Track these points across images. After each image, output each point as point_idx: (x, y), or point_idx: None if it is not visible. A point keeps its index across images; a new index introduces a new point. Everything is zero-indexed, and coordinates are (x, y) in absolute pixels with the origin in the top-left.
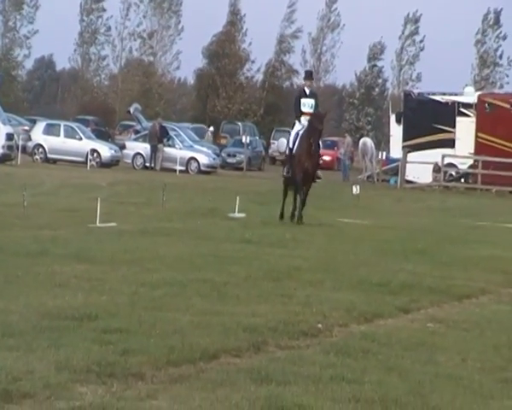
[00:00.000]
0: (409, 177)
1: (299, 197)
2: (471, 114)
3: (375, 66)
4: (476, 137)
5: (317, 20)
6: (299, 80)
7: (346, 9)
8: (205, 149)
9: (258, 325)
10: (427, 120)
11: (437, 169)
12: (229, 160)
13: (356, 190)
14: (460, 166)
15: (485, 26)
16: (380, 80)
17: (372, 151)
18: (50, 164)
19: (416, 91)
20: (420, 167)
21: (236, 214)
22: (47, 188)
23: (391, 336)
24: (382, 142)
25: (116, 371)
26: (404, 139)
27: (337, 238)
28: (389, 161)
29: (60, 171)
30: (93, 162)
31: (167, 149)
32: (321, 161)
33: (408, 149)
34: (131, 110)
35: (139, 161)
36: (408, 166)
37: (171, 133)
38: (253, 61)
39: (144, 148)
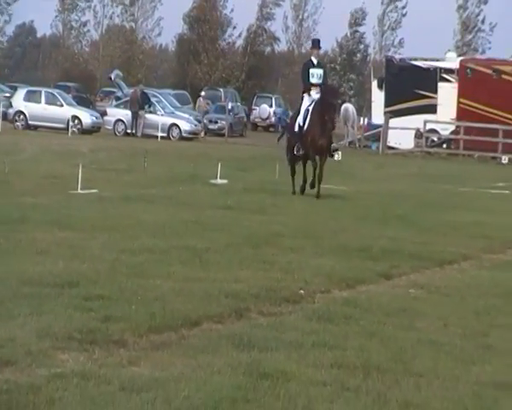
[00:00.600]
0: (390, 143)
1: (315, 172)
2: (453, 80)
3: (357, 31)
4: (458, 102)
5: None
6: (279, 47)
7: None
8: (186, 116)
9: (241, 291)
10: (409, 85)
11: (419, 135)
12: (211, 126)
13: (337, 156)
14: (442, 132)
15: None
16: (361, 46)
17: (354, 117)
18: (31, 131)
19: (397, 57)
20: (402, 133)
21: (218, 181)
22: (28, 155)
23: (372, 302)
24: (364, 107)
25: (98, 338)
26: (386, 105)
27: (318, 204)
28: (371, 126)
29: (41, 138)
30: (74, 129)
31: (148, 116)
32: None
33: (390, 114)
34: (112, 77)
35: (120, 127)
36: (390, 131)
37: (153, 100)
38: (234, 27)
39: (125, 114)
